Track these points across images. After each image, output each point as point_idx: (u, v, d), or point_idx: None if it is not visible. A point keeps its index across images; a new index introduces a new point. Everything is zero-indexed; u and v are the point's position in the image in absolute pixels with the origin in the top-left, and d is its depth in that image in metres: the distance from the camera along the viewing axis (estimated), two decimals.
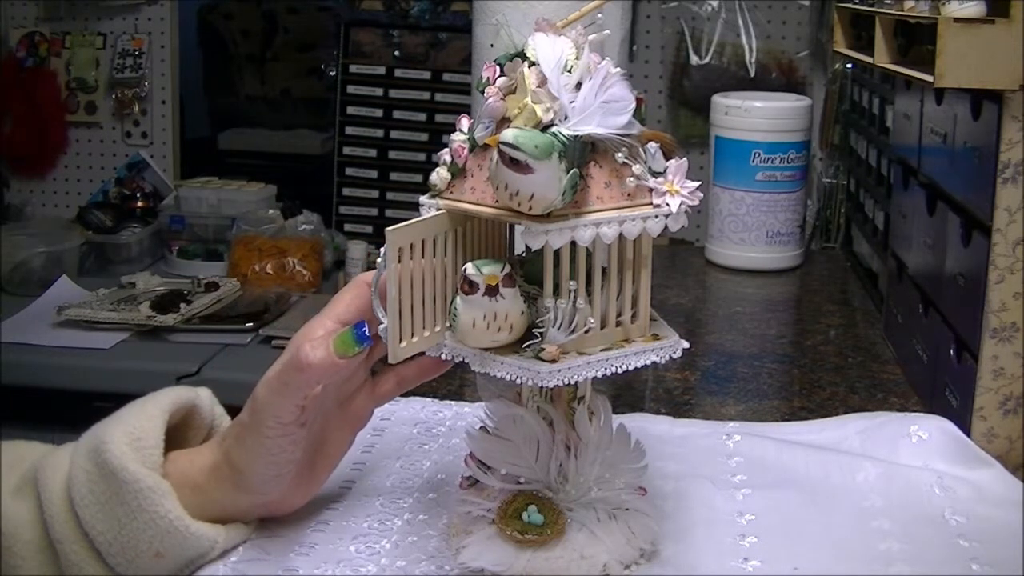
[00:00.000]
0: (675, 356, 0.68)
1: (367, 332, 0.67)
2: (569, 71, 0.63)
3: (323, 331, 0.69)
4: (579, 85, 0.63)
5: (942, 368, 0.96)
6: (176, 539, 0.67)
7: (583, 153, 0.62)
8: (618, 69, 0.64)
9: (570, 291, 0.63)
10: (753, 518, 0.77)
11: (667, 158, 0.65)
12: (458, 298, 0.64)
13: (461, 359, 0.66)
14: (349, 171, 2.68)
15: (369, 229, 2.65)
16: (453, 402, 0.98)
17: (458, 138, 0.66)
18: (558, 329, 0.63)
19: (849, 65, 1.70)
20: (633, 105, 0.64)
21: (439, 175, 0.67)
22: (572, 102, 0.62)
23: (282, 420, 0.67)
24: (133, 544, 0.67)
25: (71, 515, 0.67)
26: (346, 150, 2.68)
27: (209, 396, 0.77)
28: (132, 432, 0.69)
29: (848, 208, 1.67)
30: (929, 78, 0.83)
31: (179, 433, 0.74)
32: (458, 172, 0.66)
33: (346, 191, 2.69)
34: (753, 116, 1.48)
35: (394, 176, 2.67)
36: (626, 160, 0.64)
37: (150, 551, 0.67)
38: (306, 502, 0.76)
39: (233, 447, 0.69)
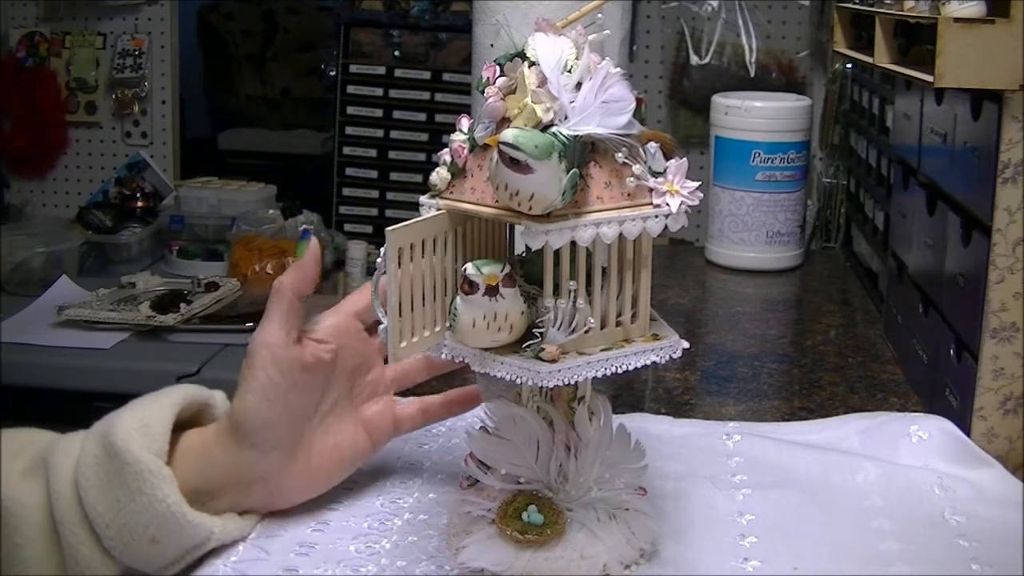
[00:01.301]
0: (675, 356, 0.68)
1: (307, 232, 0.71)
2: (569, 71, 0.63)
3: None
4: (579, 85, 0.63)
5: (942, 368, 0.96)
6: (172, 525, 0.68)
7: (583, 153, 0.62)
8: (618, 69, 0.64)
9: (570, 291, 0.63)
10: (753, 518, 0.77)
11: (667, 158, 0.65)
12: (458, 298, 0.64)
13: (461, 359, 0.66)
14: (349, 171, 2.68)
15: (369, 229, 2.65)
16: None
17: (458, 138, 0.66)
18: (558, 329, 0.63)
19: (849, 65, 1.70)
20: (633, 105, 0.64)
21: (439, 175, 0.67)
22: (572, 102, 0.62)
23: (270, 342, 0.70)
24: (129, 527, 0.67)
25: (75, 498, 0.68)
26: (346, 150, 2.68)
27: (223, 398, 0.78)
28: (141, 418, 0.70)
29: (848, 208, 1.67)
30: (929, 78, 0.83)
31: (190, 429, 0.74)
32: (458, 172, 0.66)
33: (346, 191, 2.69)
34: (753, 116, 1.48)
35: (394, 176, 2.67)
36: (626, 160, 0.64)
37: (146, 536, 0.67)
38: (309, 498, 0.76)
39: (234, 400, 0.72)
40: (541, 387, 0.65)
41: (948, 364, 0.94)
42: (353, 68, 2.67)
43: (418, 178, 2.62)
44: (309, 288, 0.73)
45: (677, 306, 1.35)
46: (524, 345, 0.64)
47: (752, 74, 2.32)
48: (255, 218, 2.44)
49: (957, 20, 0.80)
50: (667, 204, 0.64)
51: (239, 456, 0.71)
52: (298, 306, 0.73)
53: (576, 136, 0.61)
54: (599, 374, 0.65)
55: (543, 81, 0.63)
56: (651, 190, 0.65)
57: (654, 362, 0.67)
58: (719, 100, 1.52)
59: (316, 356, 0.73)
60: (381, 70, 2.66)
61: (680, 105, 2.43)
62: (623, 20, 1.12)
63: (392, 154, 2.67)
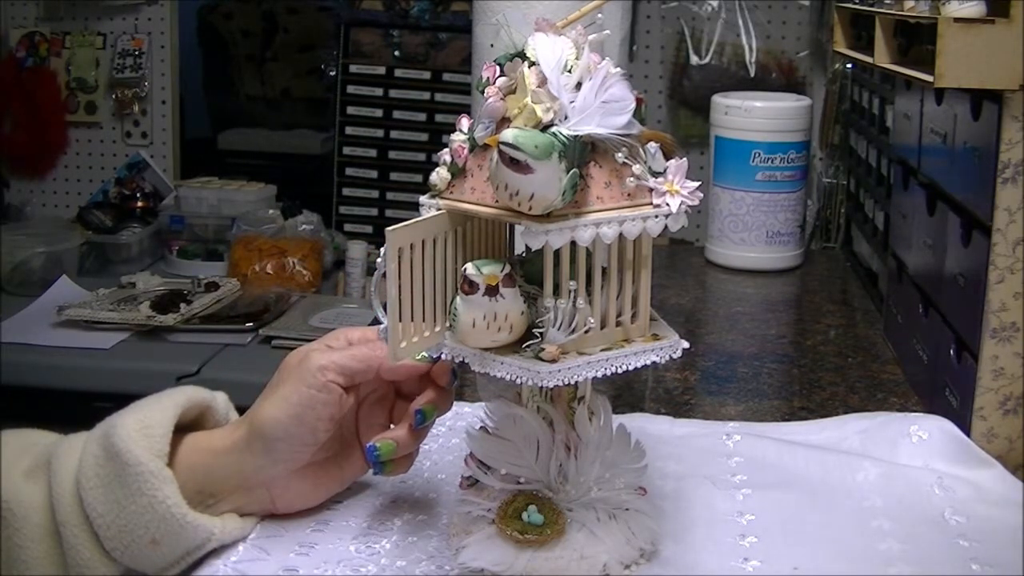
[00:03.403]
0: (675, 356, 0.68)
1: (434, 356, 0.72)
2: (569, 71, 0.63)
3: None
4: (579, 85, 0.63)
5: (942, 368, 0.96)
6: (172, 526, 0.68)
7: (583, 153, 0.62)
8: (618, 69, 0.64)
9: (570, 291, 0.63)
10: (753, 518, 0.77)
11: (667, 158, 0.65)
12: (458, 298, 0.64)
13: (461, 359, 0.66)
14: (349, 171, 2.68)
15: (369, 229, 2.65)
16: (454, 398, 0.98)
17: (458, 138, 0.66)
18: (558, 329, 0.63)
19: (849, 65, 1.70)
20: (633, 105, 0.64)
21: (439, 175, 0.67)
22: (572, 102, 0.62)
23: (328, 375, 0.71)
24: (130, 528, 0.67)
25: (76, 499, 0.68)
26: (346, 150, 2.68)
27: (225, 400, 0.79)
28: (143, 420, 0.70)
29: (848, 208, 1.67)
30: (929, 78, 0.83)
31: (192, 431, 0.74)
32: (458, 172, 0.66)
33: (346, 191, 2.69)
34: (753, 116, 1.48)
35: (394, 176, 2.67)
36: (626, 160, 0.64)
37: (146, 537, 0.67)
38: (307, 507, 0.76)
39: (261, 405, 0.71)
40: (541, 387, 0.65)
41: (948, 364, 0.94)
42: (353, 68, 2.67)
43: (418, 178, 2.62)
44: (397, 376, 0.74)
45: (677, 306, 1.35)
46: (524, 345, 0.64)
47: (752, 74, 2.32)
48: (255, 218, 2.44)
49: (957, 20, 0.80)
50: (667, 204, 0.64)
51: (249, 461, 0.71)
52: (369, 378, 0.73)
53: (576, 136, 0.61)
54: (599, 374, 0.65)
55: (543, 81, 0.63)
56: (651, 190, 0.65)
57: (654, 362, 0.67)
58: (719, 100, 1.52)
59: (347, 406, 0.74)
60: (381, 70, 2.66)
61: (680, 105, 2.43)
62: (623, 20, 1.12)
63: (392, 154, 2.67)
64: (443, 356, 0.69)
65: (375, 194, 2.68)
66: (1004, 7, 0.80)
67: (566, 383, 0.64)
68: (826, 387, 1.07)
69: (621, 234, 0.64)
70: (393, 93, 2.66)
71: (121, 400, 0.73)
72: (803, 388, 1.07)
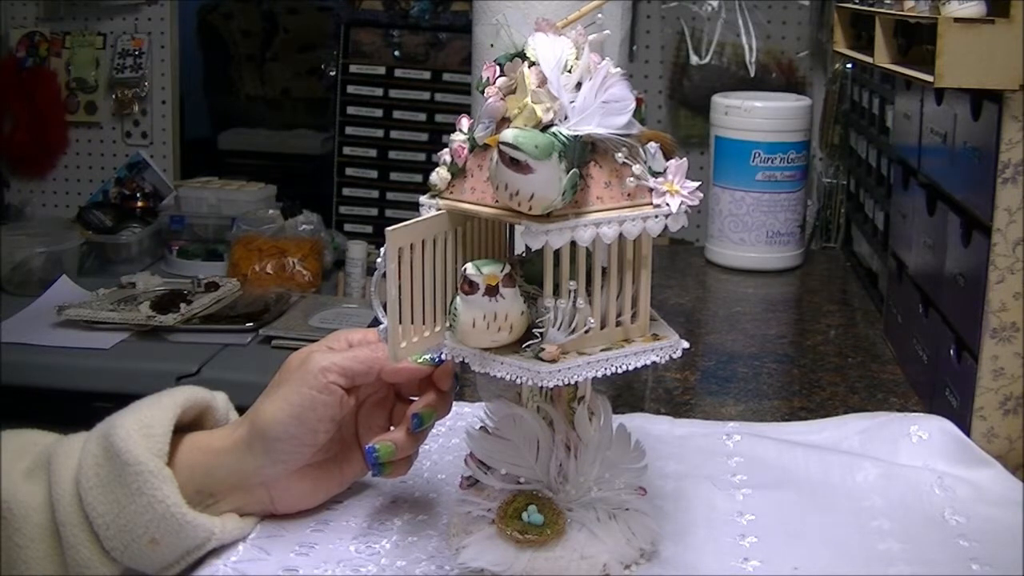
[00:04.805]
0: (675, 356, 0.68)
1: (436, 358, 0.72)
2: (569, 71, 0.63)
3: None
4: (579, 85, 0.63)
5: (942, 368, 0.96)
6: (172, 526, 0.68)
7: (583, 153, 0.62)
8: (618, 69, 0.64)
9: (570, 291, 0.63)
10: (753, 518, 0.77)
11: (667, 158, 0.65)
12: (458, 298, 0.64)
13: (461, 359, 0.66)
14: (349, 171, 2.68)
15: (369, 229, 2.64)
16: (453, 402, 0.98)
17: (458, 138, 0.66)
18: (558, 329, 0.63)
19: (849, 65, 1.70)
20: (633, 105, 0.64)
21: (439, 175, 0.67)
22: (572, 102, 0.62)
23: (330, 376, 0.71)
24: (130, 528, 0.67)
25: (76, 499, 0.68)
26: (346, 150, 2.68)
27: (225, 400, 0.79)
28: (142, 420, 0.70)
29: (848, 208, 1.67)
30: (929, 78, 0.83)
31: (192, 431, 0.74)
32: (458, 172, 0.66)
33: (346, 191, 2.69)
34: (753, 116, 1.48)
35: (394, 176, 2.67)
36: (626, 160, 0.64)
37: (146, 536, 0.67)
38: (307, 507, 0.76)
39: (262, 405, 0.71)
40: (541, 387, 0.65)
41: (948, 364, 0.94)
42: (353, 68, 2.67)
43: (418, 178, 2.62)
44: (399, 379, 0.74)
45: (677, 306, 1.35)
46: (524, 345, 0.65)
47: (752, 74, 2.32)
48: (255, 218, 2.44)
49: (957, 20, 0.80)
50: (667, 204, 0.65)
51: (249, 461, 0.72)
52: (371, 380, 0.73)
53: (576, 136, 0.61)
54: (599, 374, 0.65)
55: (543, 81, 0.63)
56: (651, 190, 0.65)
57: (654, 362, 0.67)
58: (719, 100, 1.52)
59: (348, 405, 0.74)
60: (381, 70, 2.66)
61: (680, 105, 2.43)
62: (623, 20, 1.12)
63: (392, 154, 2.67)
64: (444, 358, 0.69)
65: (375, 194, 2.68)
66: (1004, 7, 0.80)
67: (566, 383, 0.64)
68: (826, 387, 1.07)
69: (621, 234, 0.64)
70: (393, 93, 2.66)
71: (121, 400, 0.73)
72: (803, 388, 1.07)
